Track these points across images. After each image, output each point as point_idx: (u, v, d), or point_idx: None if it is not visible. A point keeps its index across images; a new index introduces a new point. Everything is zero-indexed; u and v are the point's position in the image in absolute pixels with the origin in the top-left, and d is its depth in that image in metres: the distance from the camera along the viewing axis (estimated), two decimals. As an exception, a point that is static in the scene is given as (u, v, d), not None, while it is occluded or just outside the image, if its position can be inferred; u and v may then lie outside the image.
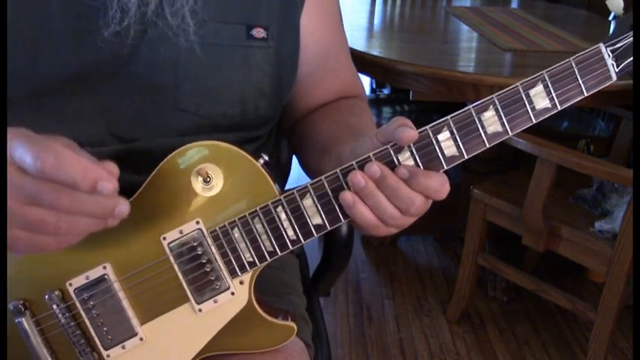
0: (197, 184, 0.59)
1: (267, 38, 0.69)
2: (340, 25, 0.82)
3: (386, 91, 2.84)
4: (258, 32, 0.69)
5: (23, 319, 0.60)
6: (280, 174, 1.00)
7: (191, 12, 0.64)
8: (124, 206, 0.51)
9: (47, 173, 0.46)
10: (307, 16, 0.74)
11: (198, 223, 0.59)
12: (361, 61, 1.58)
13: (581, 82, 0.57)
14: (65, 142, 0.49)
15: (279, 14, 0.71)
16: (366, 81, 2.85)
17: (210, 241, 0.59)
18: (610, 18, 0.62)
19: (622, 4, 0.62)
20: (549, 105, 0.57)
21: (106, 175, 0.48)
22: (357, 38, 1.80)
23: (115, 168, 0.50)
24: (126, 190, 0.60)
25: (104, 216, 0.50)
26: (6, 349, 0.61)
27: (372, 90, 2.92)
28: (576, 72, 0.56)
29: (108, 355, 0.61)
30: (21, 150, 0.47)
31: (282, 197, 0.58)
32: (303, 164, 0.79)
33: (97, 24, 0.62)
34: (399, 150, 0.56)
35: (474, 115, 0.56)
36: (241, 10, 0.69)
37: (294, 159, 0.93)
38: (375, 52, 1.63)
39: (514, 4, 2.51)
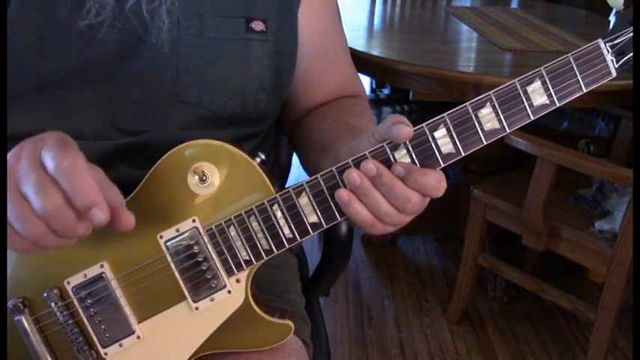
0: (193, 182, 0.59)
1: (266, 31, 0.70)
2: (338, 23, 0.82)
3: (386, 91, 2.83)
4: (257, 25, 0.69)
5: (22, 316, 0.60)
6: (280, 173, 1.00)
7: (167, 12, 0.64)
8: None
9: (58, 172, 0.46)
10: (305, 11, 0.75)
11: (194, 221, 0.59)
12: (361, 61, 1.57)
13: (579, 77, 0.56)
14: (61, 135, 0.49)
15: (277, 8, 0.71)
16: (366, 81, 2.84)
17: (206, 239, 0.59)
18: (611, 16, 0.62)
19: (622, 0, 0.62)
20: (547, 101, 0.56)
21: (105, 208, 0.48)
22: (357, 38, 1.80)
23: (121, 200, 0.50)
24: (126, 184, 0.60)
25: (67, 236, 0.49)
26: (5, 347, 0.61)
27: (372, 90, 2.91)
28: (575, 68, 0.56)
29: (105, 353, 0.61)
30: (49, 144, 0.48)
31: (278, 195, 0.58)
32: (303, 163, 0.79)
33: (71, 13, 0.63)
34: (395, 147, 0.56)
35: (471, 112, 0.56)
36: (240, 3, 0.69)
37: (294, 158, 0.93)
38: (375, 52, 1.63)
39: (514, 4, 2.51)
